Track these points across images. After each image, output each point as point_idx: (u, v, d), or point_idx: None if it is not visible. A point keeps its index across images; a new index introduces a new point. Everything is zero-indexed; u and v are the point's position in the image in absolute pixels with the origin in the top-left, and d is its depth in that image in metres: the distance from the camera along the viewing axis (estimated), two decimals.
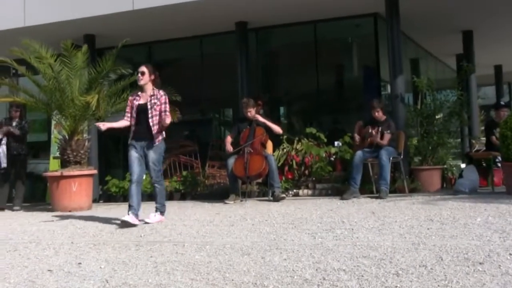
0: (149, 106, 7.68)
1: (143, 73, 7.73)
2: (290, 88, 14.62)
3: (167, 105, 7.80)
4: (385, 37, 11.55)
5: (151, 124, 7.64)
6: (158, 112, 7.67)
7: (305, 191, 11.12)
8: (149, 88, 7.80)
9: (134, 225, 7.36)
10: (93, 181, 11.25)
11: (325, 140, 11.62)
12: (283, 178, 11.13)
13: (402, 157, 10.16)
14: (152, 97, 7.72)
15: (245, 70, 12.74)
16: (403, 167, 10.19)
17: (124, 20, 12.18)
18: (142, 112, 7.70)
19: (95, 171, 11.37)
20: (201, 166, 12.56)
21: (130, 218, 7.42)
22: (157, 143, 7.68)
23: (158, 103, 7.70)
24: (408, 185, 10.21)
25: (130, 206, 7.54)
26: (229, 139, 10.53)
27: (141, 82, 7.74)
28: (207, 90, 14.41)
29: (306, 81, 14.06)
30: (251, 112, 10.41)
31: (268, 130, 10.45)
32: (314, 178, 11.19)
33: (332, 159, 11.33)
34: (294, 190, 11.12)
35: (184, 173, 12.31)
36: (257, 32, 13.58)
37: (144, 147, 7.68)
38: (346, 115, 13.59)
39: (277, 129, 10.58)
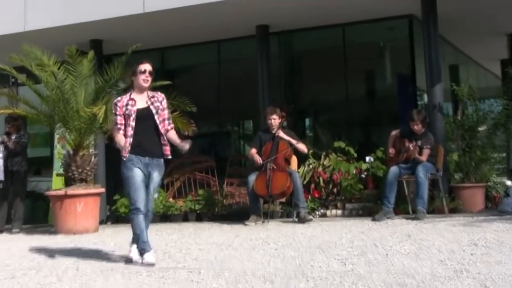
0: (154, 111, 6.84)
1: (151, 73, 6.91)
2: (316, 98, 14.60)
3: (169, 113, 7.18)
4: (421, 41, 11.52)
5: (159, 133, 6.84)
6: (163, 118, 6.89)
7: (334, 211, 11.09)
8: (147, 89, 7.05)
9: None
10: (100, 200, 11.26)
11: (355, 155, 11.60)
12: (309, 197, 11.12)
13: (441, 173, 10.12)
14: (153, 99, 6.91)
15: (267, 78, 12.76)
16: (442, 185, 10.14)
17: (134, 24, 12.27)
18: (143, 118, 6.78)
19: (102, 190, 11.40)
20: (219, 184, 12.57)
21: (153, 255, 6.63)
22: (162, 160, 6.92)
23: (161, 107, 6.91)
24: (447, 204, 10.15)
25: (144, 242, 6.63)
26: (254, 150, 10.53)
27: (148, 84, 6.90)
28: (225, 100, 14.45)
29: (334, 90, 14.05)
30: (275, 120, 10.42)
31: (292, 145, 10.47)
32: (343, 197, 11.17)
33: (363, 176, 11.29)
34: (321, 210, 11.09)
35: (200, 191, 12.32)
36: (280, 36, 13.63)
37: (148, 165, 6.78)
38: (378, 128, 13.55)
39: (301, 147, 10.59)
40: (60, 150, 12.65)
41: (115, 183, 14.30)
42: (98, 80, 11.14)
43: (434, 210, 10.25)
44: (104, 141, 12.23)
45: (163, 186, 12.64)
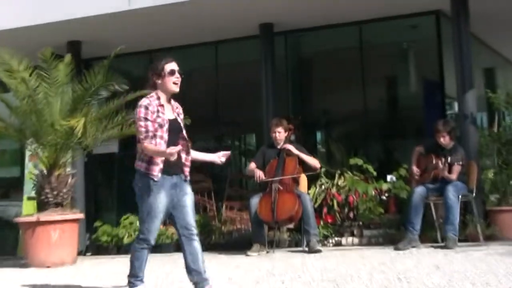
0: (181, 123, 6.71)
1: (181, 74, 6.72)
2: (329, 107, 14.66)
3: None
4: (450, 41, 11.54)
5: (186, 146, 6.69)
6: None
7: (350, 239, 11.10)
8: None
9: None
10: (79, 228, 11.25)
11: (375, 173, 11.63)
12: (321, 223, 11.13)
13: (474, 194, 10.12)
14: (177, 110, 6.80)
15: (271, 84, 12.78)
16: (476, 208, 10.15)
17: (118, 23, 12.34)
18: (173, 131, 6.57)
19: (81, 216, 11.33)
20: (217, 208, 12.59)
21: None
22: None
23: (182, 116, 6.82)
24: (483, 231, 10.13)
25: (138, 277, 6.69)
26: (254, 165, 10.56)
27: (178, 89, 6.72)
28: (224, 111, 14.50)
29: (350, 98, 14.09)
30: (281, 134, 10.48)
31: (302, 162, 10.49)
32: (361, 223, 11.17)
33: (384, 197, 11.31)
34: (336, 238, 11.11)
35: (195, 216, 12.31)
36: (286, 36, 13.71)
37: (177, 185, 6.60)
38: (401, 142, 13.58)
39: (312, 162, 10.61)
40: (32, 170, 12.62)
41: (97, 207, 14.38)
42: (77, 88, 11.09)
43: (467, 237, 10.24)
44: (83, 159, 12.26)
45: None
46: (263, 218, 10.15)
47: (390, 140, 13.99)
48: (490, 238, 10.27)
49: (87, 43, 13.28)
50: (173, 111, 6.66)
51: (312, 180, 11.27)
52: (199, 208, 12.75)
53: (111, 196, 15.03)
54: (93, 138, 11.00)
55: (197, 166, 13.99)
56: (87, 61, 13.08)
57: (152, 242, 6.57)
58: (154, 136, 6.41)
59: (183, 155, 6.60)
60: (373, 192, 11.26)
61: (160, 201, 6.43)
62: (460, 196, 9.76)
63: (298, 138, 11.60)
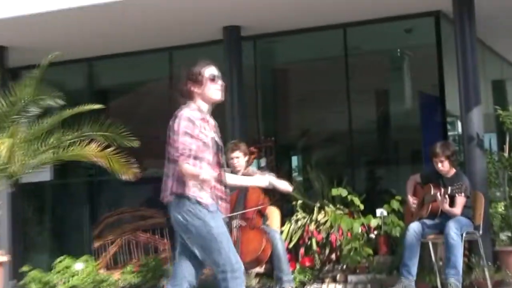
0: (219, 140, 6.55)
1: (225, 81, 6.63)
2: (308, 127, 14.71)
3: None
4: (452, 47, 11.59)
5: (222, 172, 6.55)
6: None
7: (332, 286, 11.08)
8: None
9: None
10: (3, 273, 11.16)
11: (362, 207, 11.61)
12: (297, 267, 11.10)
13: (481, 232, 10.11)
14: (215, 126, 6.56)
15: (238, 99, 12.71)
16: (483, 248, 10.13)
17: (50, 24, 12.26)
18: (217, 151, 6.47)
19: (5, 258, 11.30)
20: (171, 248, 12.51)
21: None
22: None
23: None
24: (491, 276, 10.13)
25: None
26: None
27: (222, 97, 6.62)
28: None
29: (332, 115, 14.13)
30: (239, 160, 10.36)
31: (269, 192, 10.42)
32: (345, 266, 11.16)
33: (373, 236, 11.31)
34: (315, 285, 11.08)
35: (145, 259, 12.28)
36: (256, 42, 13.72)
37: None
38: (394, 169, 13.64)
39: (283, 186, 10.47)
40: None
41: (25, 248, 14.24)
42: (1, 103, 11.08)
43: (472, 283, 10.25)
44: (9, 189, 12.14)
45: (93, 253, 12.60)
46: None
47: (380, 166, 14.02)
48: (500, 284, 10.31)
49: (14, 49, 13.20)
50: (213, 127, 6.47)
51: (287, 215, 11.23)
52: (150, 248, 12.70)
53: (42, 235, 14.91)
54: (21, 164, 10.91)
55: (151, 198, 14.09)
56: (13, 71, 12.99)
57: (242, 267, 6.30)
58: (196, 157, 6.22)
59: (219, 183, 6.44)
60: (360, 230, 11.22)
61: (221, 222, 6.35)
62: (463, 234, 9.71)
63: (271, 163, 11.57)
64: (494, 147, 12.84)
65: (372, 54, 13.96)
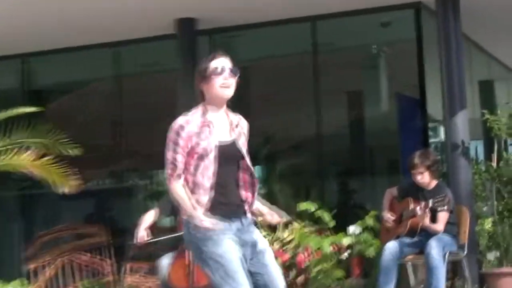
0: (242, 147, 6.29)
1: (235, 74, 6.26)
2: (271, 133, 14.66)
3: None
4: (435, 43, 11.61)
5: (250, 180, 6.32)
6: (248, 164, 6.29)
7: None
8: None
9: None
10: None
11: (332, 223, 11.57)
12: None
13: (466, 252, 10.12)
14: (238, 127, 6.38)
15: (193, 101, 12.67)
16: (468, 270, 10.16)
17: None
18: (228, 160, 6.17)
19: None
20: (116, 271, 12.43)
21: None
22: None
23: (244, 137, 6.41)
24: None
25: None
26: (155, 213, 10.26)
27: (231, 93, 6.29)
28: (128, 138, 14.41)
29: (299, 120, 14.12)
30: None
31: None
32: None
33: (345, 256, 11.27)
34: None
35: (86, 283, 12.19)
36: (213, 37, 13.75)
37: (241, 231, 6.20)
38: (369, 180, 13.69)
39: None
40: None
41: None
42: None
43: None
44: None
45: (27, 275, 12.51)
46: (176, 286, 9.98)
47: (353, 178, 14.07)
48: None
49: None
50: (231, 129, 6.25)
51: None
52: (91, 271, 12.62)
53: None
54: None
55: (93, 214, 14.03)
56: None
57: None
58: (195, 167, 6.02)
59: (245, 192, 6.24)
60: (330, 249, 11.19)
61: (231, 249, 5.97)
62: (446, 254, 9.73)
63: None
64: (481, 156, 12.86)
65: (344, 51, 14.02)
